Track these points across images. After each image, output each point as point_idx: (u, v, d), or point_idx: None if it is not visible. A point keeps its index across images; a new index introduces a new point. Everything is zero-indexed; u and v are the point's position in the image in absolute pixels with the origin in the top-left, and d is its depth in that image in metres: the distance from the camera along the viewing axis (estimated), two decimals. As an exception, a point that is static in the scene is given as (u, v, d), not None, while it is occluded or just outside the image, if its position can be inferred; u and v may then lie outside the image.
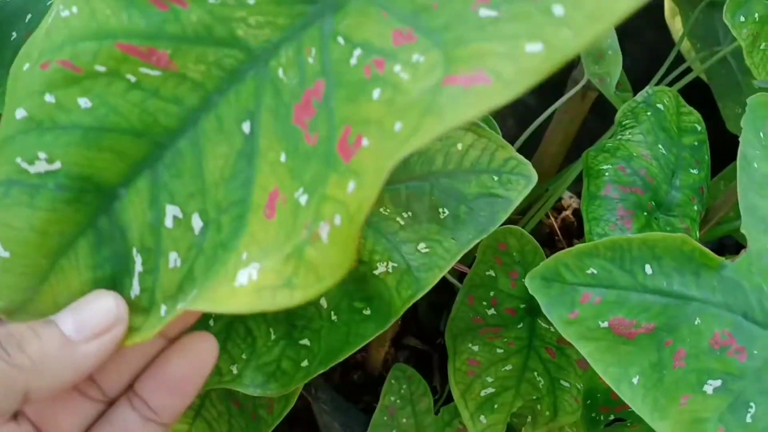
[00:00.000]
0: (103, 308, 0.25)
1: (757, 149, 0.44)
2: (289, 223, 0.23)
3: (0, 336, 0.24)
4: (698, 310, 0.38)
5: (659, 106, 0.55)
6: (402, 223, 0.38)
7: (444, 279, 0.39)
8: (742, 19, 0.51)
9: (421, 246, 0.38)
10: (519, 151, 0.40)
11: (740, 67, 0.70)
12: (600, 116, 0.75)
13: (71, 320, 0.25)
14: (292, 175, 0.24)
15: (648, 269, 0.39)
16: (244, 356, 0.38)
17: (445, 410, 0.63)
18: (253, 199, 0.25)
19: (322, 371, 0.37)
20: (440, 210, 0.38)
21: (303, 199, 0.23)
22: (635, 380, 0.38)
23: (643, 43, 0.81)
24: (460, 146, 0.39)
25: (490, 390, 0.53)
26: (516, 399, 0.53)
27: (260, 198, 0.25)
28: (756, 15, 0.52)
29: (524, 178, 0.39)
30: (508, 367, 0.53)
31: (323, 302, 0.38)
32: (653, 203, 0.51)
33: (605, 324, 0.38)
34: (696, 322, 0.38)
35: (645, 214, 0.49)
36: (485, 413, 0.53)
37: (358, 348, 0.37)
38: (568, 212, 0.82)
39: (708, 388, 0.38)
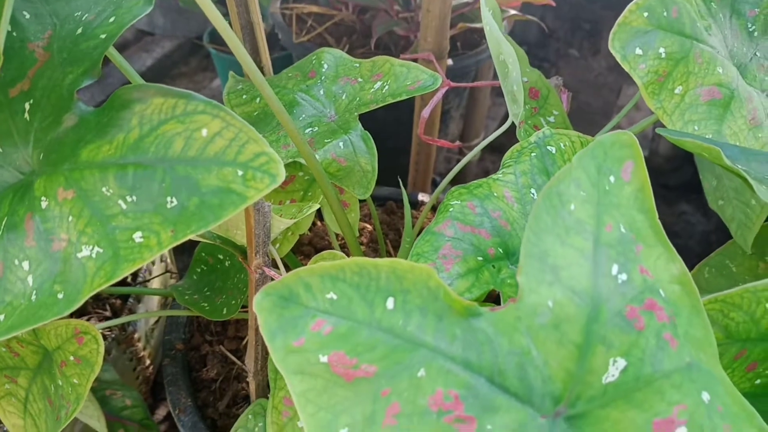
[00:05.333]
0: None
1: (584, 190, 0.36)
2: None
3: None
4: (426, 359, 0.31)
5: (551, 148, 0.48)
6: (124, 207, 0.35)
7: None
8: (638, 51, 0.44)
9: (137, 235, 0.34)
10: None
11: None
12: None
13: None
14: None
15: (390, 303, 0.33)
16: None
17: (297, 460, 0.57)
18: None
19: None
20: (169, 199, 0.35)
21: None
22: (342, 433, 0.31)
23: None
24: (205, 132, 0.35)
25: (300, 437, 0.47)
26: (326, 452, 0.46)
27: None
28: (661, 50, 0.44)
29: (270, 177, 0.35)
30: (319, 413, 0.46)
31: (30, 280, 0.35)
32: (501, 250, 0.43)
33: (324, 359, 0.32)
34: (419, 374, 0.31)
35: (480, 259, 0.42)
36: (293, 463, 0.47)
37: (33, 327, 0.33)
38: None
39: (412, 459, 0.30)
